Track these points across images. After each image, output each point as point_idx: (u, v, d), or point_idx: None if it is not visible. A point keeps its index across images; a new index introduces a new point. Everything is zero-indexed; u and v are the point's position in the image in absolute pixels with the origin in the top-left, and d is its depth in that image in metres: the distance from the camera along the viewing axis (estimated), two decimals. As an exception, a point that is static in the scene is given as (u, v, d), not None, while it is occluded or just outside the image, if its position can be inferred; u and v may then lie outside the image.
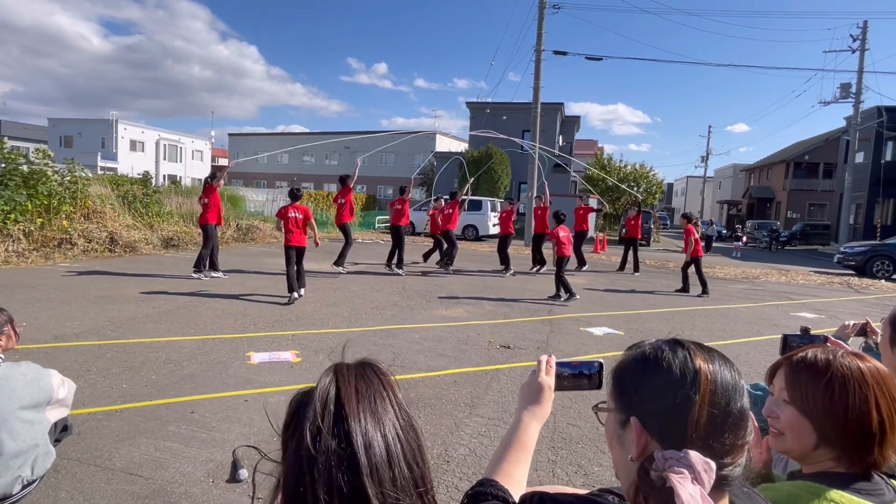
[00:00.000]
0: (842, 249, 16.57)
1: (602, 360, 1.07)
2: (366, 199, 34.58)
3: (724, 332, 6.81)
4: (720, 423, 0.76)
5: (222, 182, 9.21)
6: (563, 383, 1.07)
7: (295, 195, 7.77)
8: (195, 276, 8.50)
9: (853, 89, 22.04)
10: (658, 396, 0.78)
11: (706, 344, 0.85)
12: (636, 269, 12.56)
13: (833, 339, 2.01)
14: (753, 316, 7.97)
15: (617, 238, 24.24)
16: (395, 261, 10.36)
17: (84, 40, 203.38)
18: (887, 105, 23.86)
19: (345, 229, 9.90)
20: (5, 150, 10.15)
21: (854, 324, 2.32)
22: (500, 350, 5.41)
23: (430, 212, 12.56)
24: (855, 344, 2.43)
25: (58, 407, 2.22)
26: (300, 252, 7.45)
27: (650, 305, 8.45)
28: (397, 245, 10.37)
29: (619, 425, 0.83)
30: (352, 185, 9.90)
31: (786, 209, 37.46)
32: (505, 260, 11.29)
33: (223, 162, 55.12)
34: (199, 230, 12.93)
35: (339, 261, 9.74)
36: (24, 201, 9.81)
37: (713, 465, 0.72)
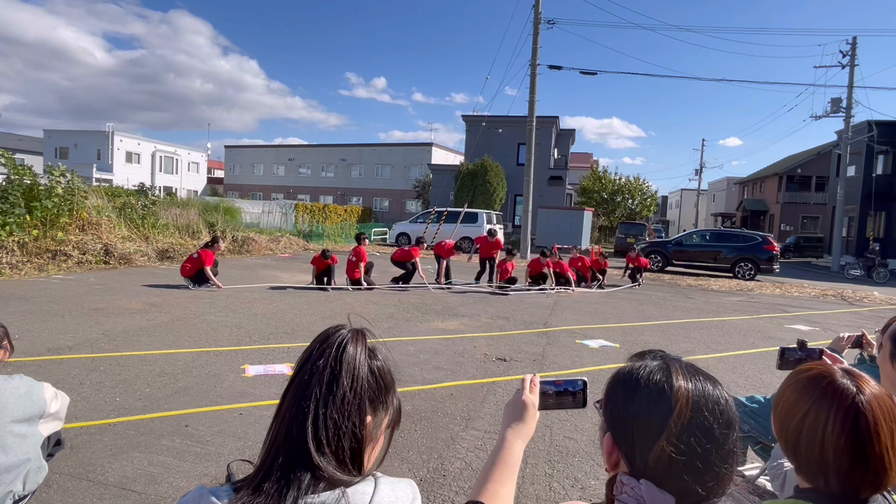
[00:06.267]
0: (633, 247, 17.47)
1: (586, 378, 1.06)
2: (361, 212, 34.54)
3: (718, 344, 6.82)
4: (688, 462, 0.76)
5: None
6: (547, 401, 1.06)
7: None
8: (191, 287, 8.55)
9: (843, 104, 22.31)
10: (631, 420, 0.81)
11: (698, 365, 0.85)
12: (634, 279, 12.78)
13: (828, 351, 2.02)
14: (748, 328, 7.99)
15: (612, 250, 24.36)
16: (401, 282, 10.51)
17: (87, 54, 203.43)
18: (877, 119, 24.15)
19: (357, 284, 9.62)
20: (2, 162, 10.14)
21: (849, 336, 2.34)
22: (496, 363, 5.39)
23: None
24: (850, 356, 2.44)
25: (51, 420, 2.19)
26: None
27: (646, 318, 8.46)
28: (410, 272, 10.50)
29: (601, 432, 0.88)
30: (365, 252, 9.72)
31: (779, 222, 37.83)
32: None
33: (219, 173, 55.11)
34: (195, 242, 12.98)
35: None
36: (24, 213, 9.78)
37: (671, 502, 0.75)
